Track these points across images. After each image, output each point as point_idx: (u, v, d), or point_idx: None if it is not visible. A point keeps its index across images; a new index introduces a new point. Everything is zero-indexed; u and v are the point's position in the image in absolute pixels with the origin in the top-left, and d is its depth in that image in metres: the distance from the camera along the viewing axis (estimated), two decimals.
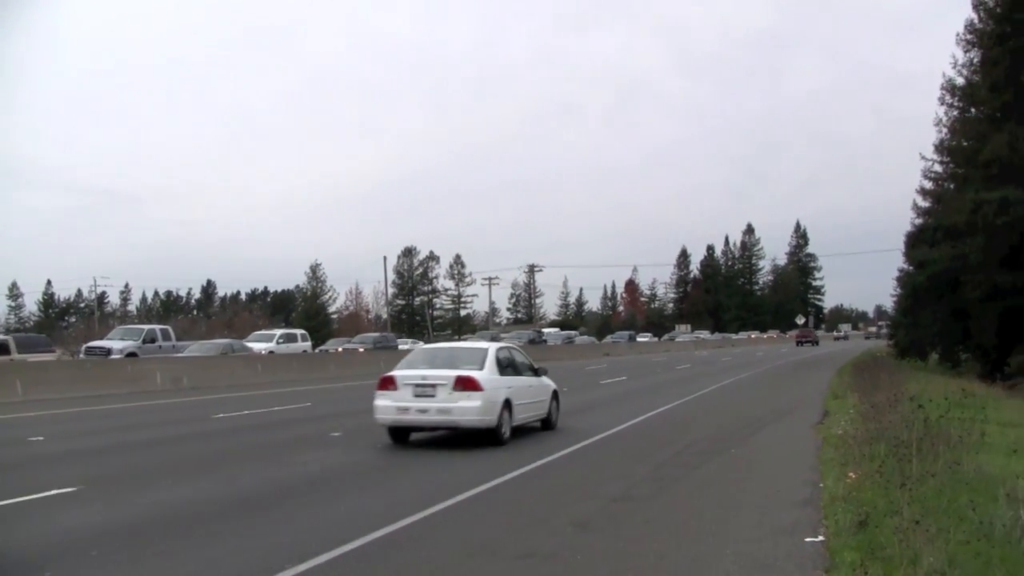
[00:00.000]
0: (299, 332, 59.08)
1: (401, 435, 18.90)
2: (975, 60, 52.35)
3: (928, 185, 64.44)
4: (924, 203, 65.23)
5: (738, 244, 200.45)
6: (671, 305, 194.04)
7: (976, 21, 52.23)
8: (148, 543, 9.80)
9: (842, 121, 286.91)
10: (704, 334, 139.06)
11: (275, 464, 15.78)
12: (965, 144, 52.01)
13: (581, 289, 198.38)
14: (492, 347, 20.16)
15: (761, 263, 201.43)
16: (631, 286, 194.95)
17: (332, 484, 13.75)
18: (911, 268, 60.37)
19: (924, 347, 61.81)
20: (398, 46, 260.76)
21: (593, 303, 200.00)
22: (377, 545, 9.67)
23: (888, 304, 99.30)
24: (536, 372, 21.28)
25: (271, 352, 49.81)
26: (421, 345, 37.72)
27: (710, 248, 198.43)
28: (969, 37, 53.19)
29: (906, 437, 13.67)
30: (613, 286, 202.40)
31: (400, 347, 63.49)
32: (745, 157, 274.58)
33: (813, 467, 15.26)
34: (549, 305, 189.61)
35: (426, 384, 18.20)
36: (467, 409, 17.89)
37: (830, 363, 59.38)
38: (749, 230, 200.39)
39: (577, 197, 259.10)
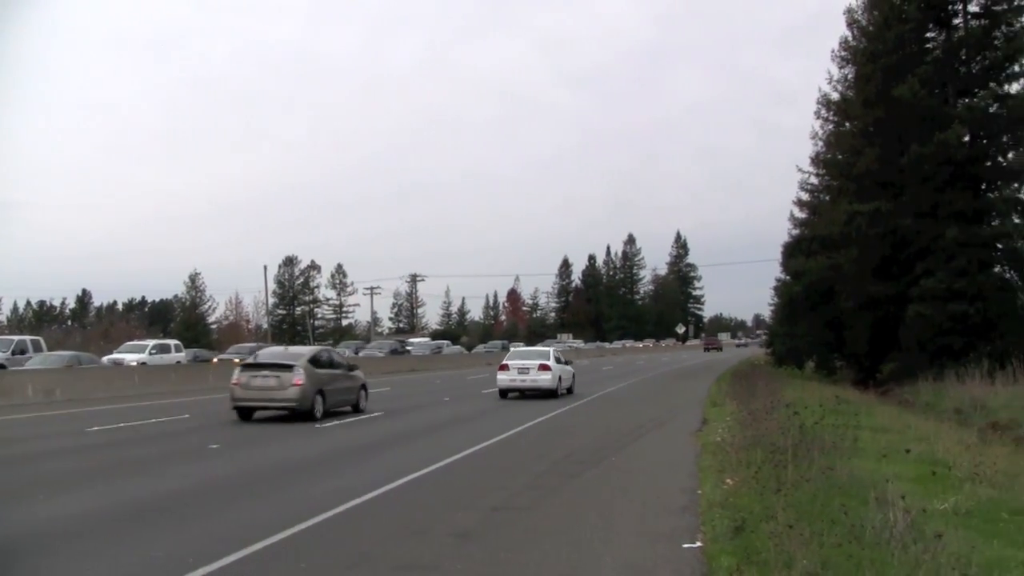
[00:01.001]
0: (172, 343, 57.53)
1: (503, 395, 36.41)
2: (849, 76, 53.78)
3: (805, 197, 66.00)
4: (801, 214, 66.74)
5: (619, 254, 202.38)
6: (553, 314, 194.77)
7: (850, 39, 53.70)
8: (13, 561, 9.52)
9: (723, 133, 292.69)
10: (578, 343, 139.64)
11: (151, 477, 15.36)
12: (840, 157, 53.31)
13: (463, 299, 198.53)
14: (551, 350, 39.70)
15: (642, 273, 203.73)
16: (513, 295, 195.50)
17: (210, 496, 13.50)
18: (788, 278, 61.52)
19: (800, 355, 63.07)
20: (283, 54, 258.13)
21: (475, 312, 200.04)
22: (256, 558, 9.51)
23: (766, 313, 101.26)
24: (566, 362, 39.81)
25: (143, 363, 48.31)
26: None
27: (592, 258, 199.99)
28: (843, 54, 54.64)
29: (782, 443, 13.96)
30: (495, 296, 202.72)
31: None
32: (627, 168, 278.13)
33: (692, 474, 15.44)
34: (431, 315, 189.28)
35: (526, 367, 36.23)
36: (557, 379, 36.47)
37: (710, 371, 60.23)
38: (630, 240, 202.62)
39: (460, 207, 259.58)
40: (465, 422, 26.09)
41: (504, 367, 36.92)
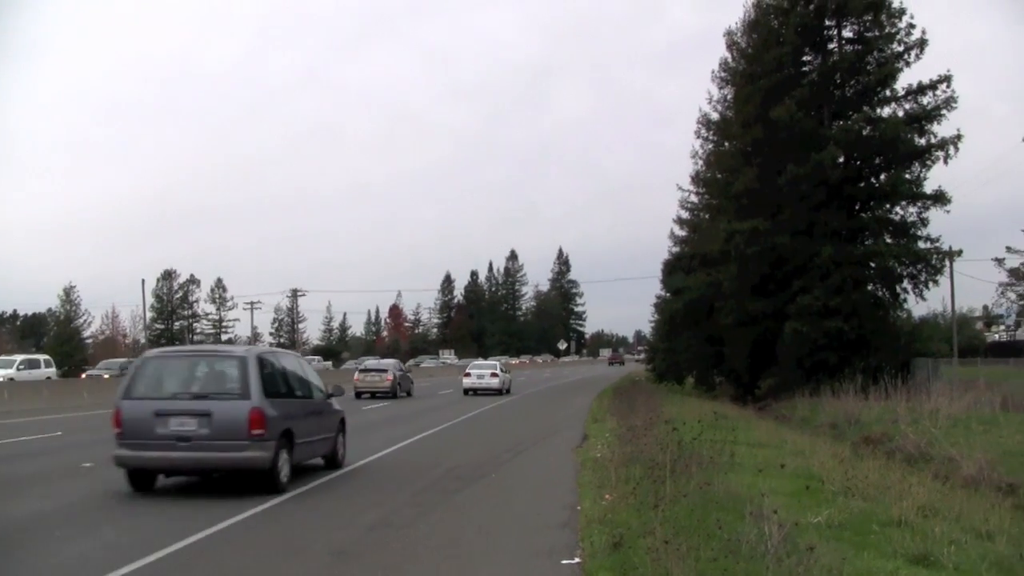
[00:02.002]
0: (43, 358, 55.88)
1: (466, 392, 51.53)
2: (729, 97, 54.83)
3: (685, 215, 67.12)
4: (681, 232, 67.82)
5: (502, 270, 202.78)
6: (435, 330, 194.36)
7: (730, 60, 54.79)
8: None
9: (606, 150, 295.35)
10: (451, 358, 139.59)
11: (19, 498, 14.82)
12: (719, 176, 54.28)
13: (345, 314, 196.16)
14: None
15: (524, 289, 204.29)
16: (395, 311, 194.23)
17: (83, 516, 13.11)
18: (668, 295, 62.31)
19: (681, 371, 63.90)
20: (161, 62, 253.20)
21: (358, 328, 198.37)
22: None
23: (647, 329, 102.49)
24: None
25: (11, 379, 46.69)
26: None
27: (474, 273, 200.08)
28: (723, 75, 55.75)
29: (661, 459, 14.06)
30: (377, 311, 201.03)
31: None
32: (510, 183, 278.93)
33: (572, 490, 15.47)
34: (313, 330, 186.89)
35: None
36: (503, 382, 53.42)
37: (593, 387, 60.59)
38: (513, 256, 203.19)
39: (343, 221, 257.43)
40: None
41: (468, 374, 55.34)
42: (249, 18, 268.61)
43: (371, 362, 56.29)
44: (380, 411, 37.22)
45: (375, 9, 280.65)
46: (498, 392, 52.43)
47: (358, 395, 47.18)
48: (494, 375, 54.05)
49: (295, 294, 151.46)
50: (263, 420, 14.38)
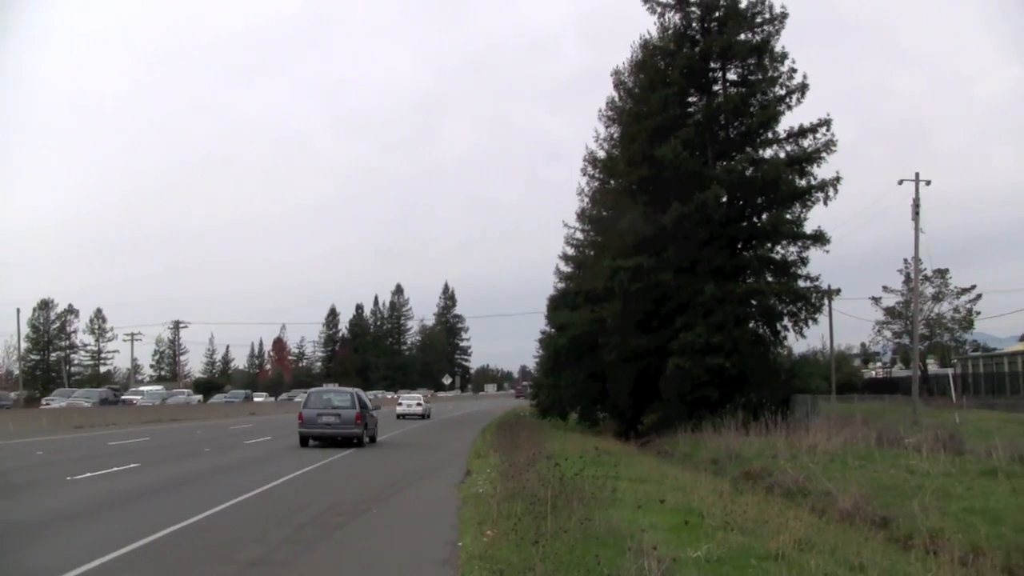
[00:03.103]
0: None
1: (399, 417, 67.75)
2: (615, 135, 55.40)
3: (570, 251, 67.57)
4: (566, 268, 68.26)
5: (387, 304, 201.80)
6: (319, 364, 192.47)
7: (617, 99, 55.39)
8: None
9: (493, 185, 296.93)
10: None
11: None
12: (605, 214, 54.76)
13: (228, 346, 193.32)
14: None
15: (410, 323, 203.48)
16: (279, 344, 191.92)
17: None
18: (553, 330, 62.55)
19: (565, 406, 64.05)
20: (47, 90, 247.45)
21: (240, 361, 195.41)
22: None
23: (532, 364, 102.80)
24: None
25: None
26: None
27: (359, 307, 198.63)
28: (610, 114, 56.31)
29: (542, 495, 14.04)
30: (261, 343, 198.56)
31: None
32: (398, 217, 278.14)
33: (453, 526, 15.37)
34: (195, 362, 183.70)
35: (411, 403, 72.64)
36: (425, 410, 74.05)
37: (477, 422, 60.47)
38: (398, 290, 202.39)
39: (227, 252, 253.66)
40: (227, 472, 25.34)
41: (399, 403, 74.31)
42: (135, 47, 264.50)
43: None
44: (262, 446, 36.60)
45: (266, 40, 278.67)
46: (422, 416, 70.79)
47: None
48: (419, 404, 73.95)
49: (177, 326, 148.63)
50: (361, 417, 35.36)
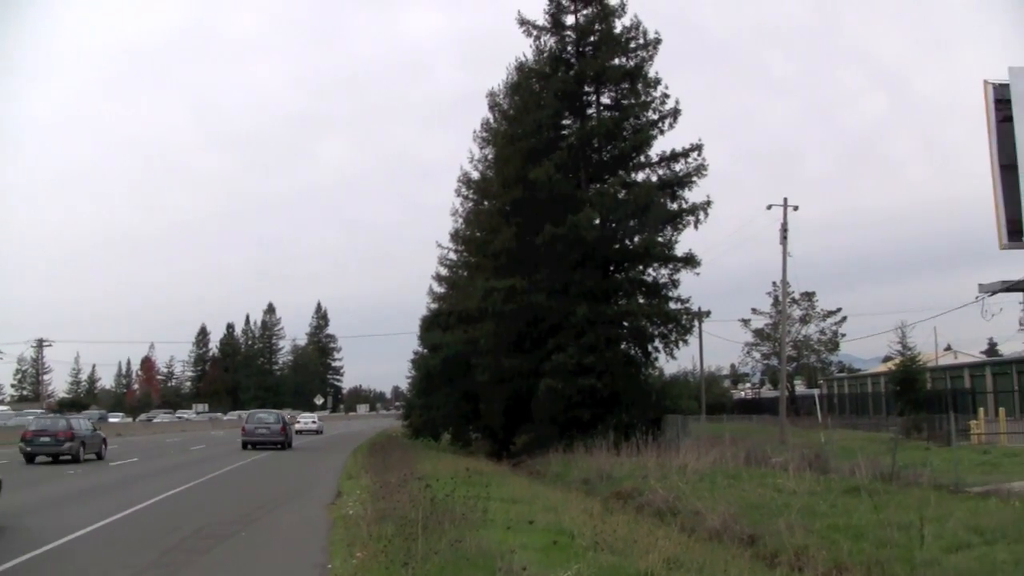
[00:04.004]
0: None
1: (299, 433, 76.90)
2: (489, 157, 55.67)
3: (444, 272, 67.62)
4: (440, 289, 68.31)
5: (259, 323, 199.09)
6: (189, 383, 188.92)
7: (492, 121, 55.69)
8: None
9: (369, 205, 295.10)
10: (189, 414, 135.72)
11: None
12: (478, 235, 54.81)
13: (94, 366, 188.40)
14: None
15: (282, 343, 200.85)
16: (148, 363, 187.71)
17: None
18: (426, 351, 62.35)
19: (437, 427, 63.73)
20: None
21: (107, 380, 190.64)
22: None
23: (405, 385, 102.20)
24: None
25: None
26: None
27: (230, 326, 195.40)
28: (485, 135, 56.60)
29: (413, 516, 13.92)
30: (129, 363, 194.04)
31: None
32: (271, 236, 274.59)
33: (323, 548, 15.20)
34: (59, 382, 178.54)
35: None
36: (319, 426, 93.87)
37: (348, 443, 59.95)
38: (270, 309, 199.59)
39: (96, 269, 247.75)
40: (84, 497, 24.63)
41: (298, 421, 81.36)
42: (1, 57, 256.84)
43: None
44: (130, 467, 35.76)
45: (137, 54, 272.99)
46: (317, 432, 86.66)
47: None
48: (314, 422, 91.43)
49: (40, 344, 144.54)
50: (284, 430, 54.88)
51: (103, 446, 43.04)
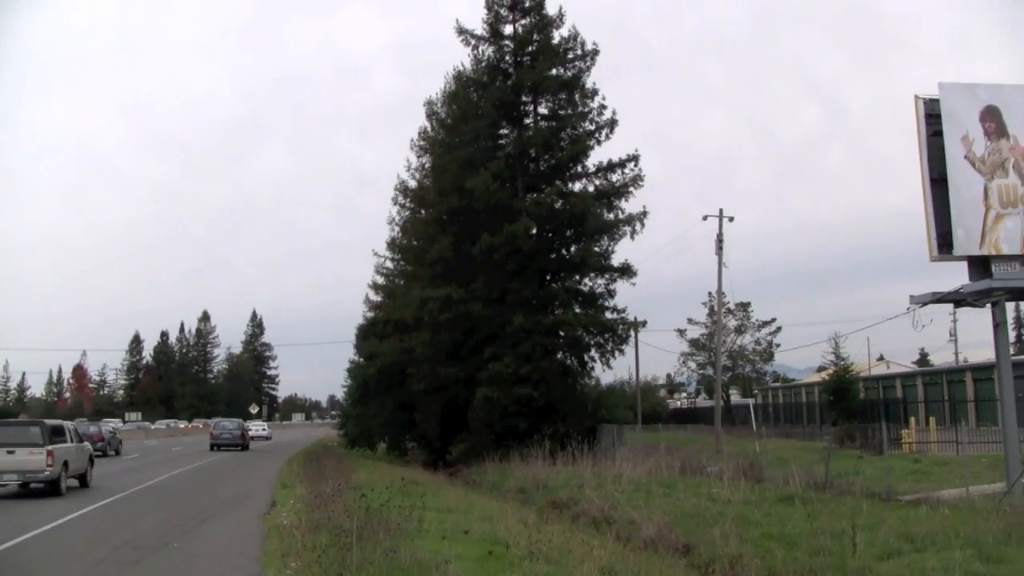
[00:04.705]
0: None
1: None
2: (427, 165, 55.60)
3: (380, 280, 67.31)
4: (376, 298, 67.99)
5: (194, 331, 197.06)
6: (122, 392, 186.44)
7: (429, 129, 55.67)
8: None
9: (306, 213, 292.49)
10: (115, 423, 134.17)
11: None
12: (415, 243, 54.69)
13: (24, 374, 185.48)
14: None
15: (217, 351, 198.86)
16: (80, 371, 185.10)
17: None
18: (362, 360, 62.07)
19: (373, 437, 63.47)
20: None
21: (37, 388, 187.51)
22: None
23: (341, 394, 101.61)
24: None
25: None
26: None
27: (164, 334, 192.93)
28: (422, 143, 56.56)
29: (348, 526, 13.81)
30: (60, 371, 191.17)
31: None
32: (207, 243, 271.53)
33: (257, 559, 15.02)
34: None
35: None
36: (269, 433, 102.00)
37: (283, 452, 59.52)
38: (205, 317, 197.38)
39: (24, 275, 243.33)
40: (8, 510, 24.16)
41: (250, 429, 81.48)
42: None
43: None
44: None
45: (68, 54, 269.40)
46: (267, 438, 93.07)
47: None
48: (264, 429, 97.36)
49: None
50: (243, 435, 67.85)
51: None
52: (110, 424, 71.82)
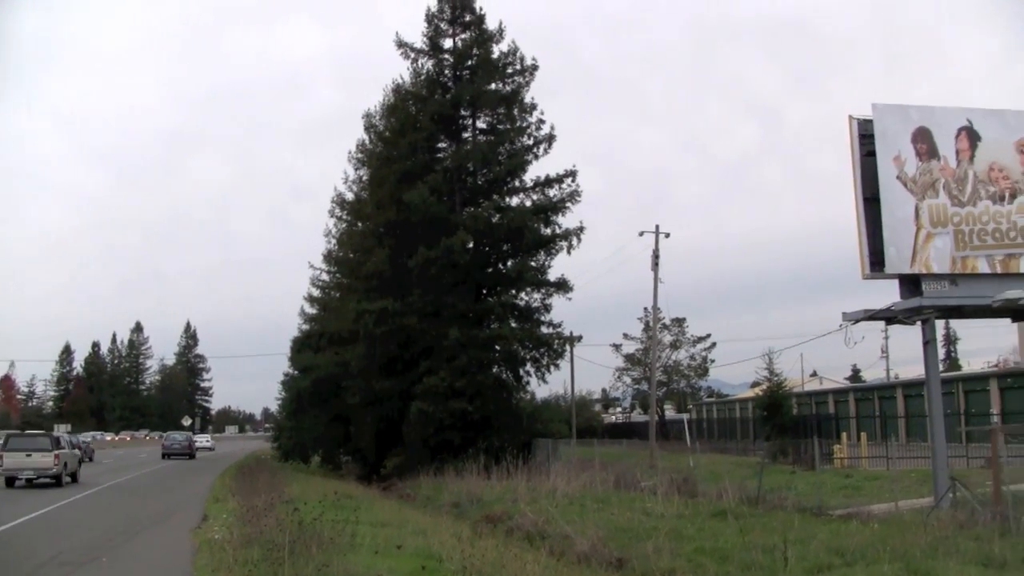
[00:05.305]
0: None
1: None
2: (364, 178, 55.29)
3: (316, 293, 66.92)
4: (312, 310, 67.59)
5: (126, 342, 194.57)
6: (51, 403, 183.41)
7: (367, 142, 55.35)
8: None
9: (241, 224, 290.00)
10: (91, 435, 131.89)
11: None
12: (351, 256, 54.45)
13: None
14: None
15: (149, 363, 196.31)
16: (7, 382, 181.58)
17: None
18: (297, 372, 61.68)
19: (307, 450, 63.06)
20: None
21: None
22: None
23: (275, 407, 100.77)
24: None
25: None
26: None
27: (96, 345, 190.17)
28: (360, 156, 56.26)
29: (280, 540, 13.70)
30: None
31: None
32: (141, 253, 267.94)
33: (187, 573, 14.84)
34: None
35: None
36: (213, 444, 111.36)
37: (216, 465, 58.89)
38: (138, 328, 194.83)
39: None
40: None
41: (196, 441, 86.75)
42: None
43: None
44: None
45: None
46: (211, 448, 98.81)
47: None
48: (208, 440, 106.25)
49: None
50: (191, 445, 75.84)
51: None
52: (86, 436, 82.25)
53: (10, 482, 35.97)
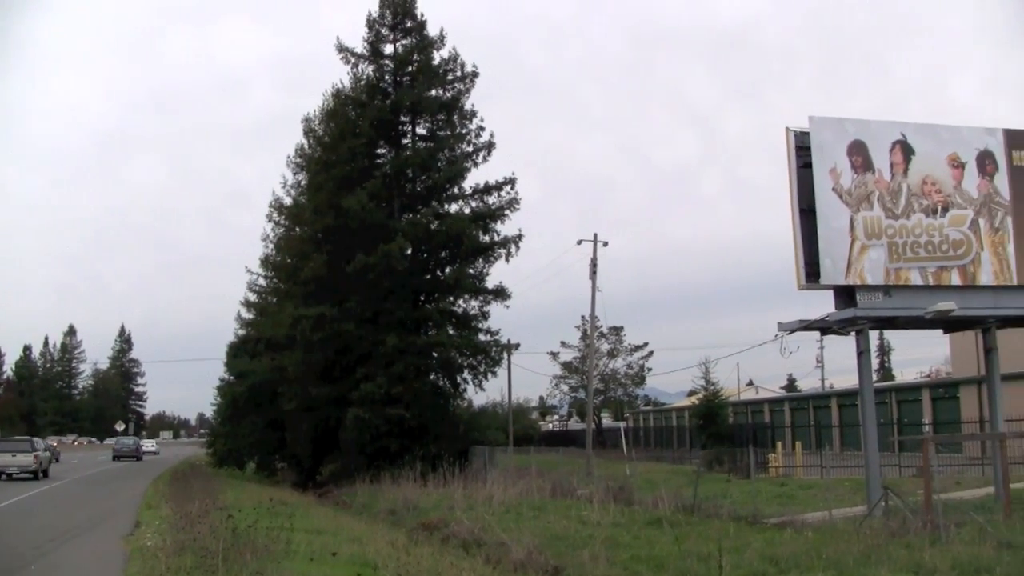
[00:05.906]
0: None
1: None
2: (303, 182, 54.99)
3: (253, 297, 66.35)
4: (248, 315, 66.97)
5: (59, 346, 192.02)
6: None
7: (306, 146, 55.06)
8: None
9: (178, 227, 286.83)
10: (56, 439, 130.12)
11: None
12: (289, 261, 54.06)
13: None
14: None
15: (82, 367, 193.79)
16: None
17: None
18: (232, 378, 61.18)
19: (242, 456, 62.50)
20: None
21: None
22: None
23: (210, 412, 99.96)
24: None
25: None
26: None
27: (27, 348, 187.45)
28: (299, 160, 55.96)
29: (214, 547, 13.58)
30: None
31: None
32: (76, 256, 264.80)
33: None
34: None
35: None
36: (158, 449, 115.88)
37: (149, 472, 58.23)
38: (71, 331, 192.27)
39: None
40: None
41: (146, 444, 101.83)
42: None
43: None
44: None
45: None
46: (156, 453, 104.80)
47: None
48: (154, 445, 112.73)
49: None
50: (137, 449, 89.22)
51: None
52: (53, 440, 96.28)
53: None
